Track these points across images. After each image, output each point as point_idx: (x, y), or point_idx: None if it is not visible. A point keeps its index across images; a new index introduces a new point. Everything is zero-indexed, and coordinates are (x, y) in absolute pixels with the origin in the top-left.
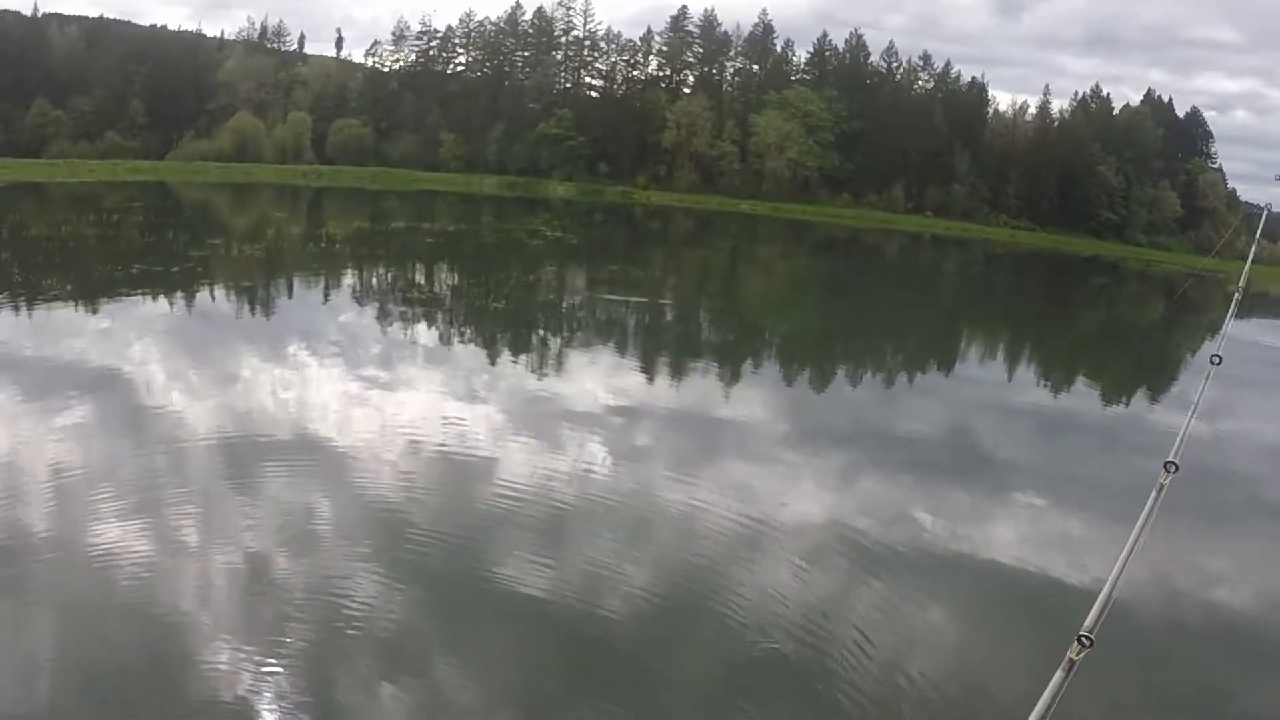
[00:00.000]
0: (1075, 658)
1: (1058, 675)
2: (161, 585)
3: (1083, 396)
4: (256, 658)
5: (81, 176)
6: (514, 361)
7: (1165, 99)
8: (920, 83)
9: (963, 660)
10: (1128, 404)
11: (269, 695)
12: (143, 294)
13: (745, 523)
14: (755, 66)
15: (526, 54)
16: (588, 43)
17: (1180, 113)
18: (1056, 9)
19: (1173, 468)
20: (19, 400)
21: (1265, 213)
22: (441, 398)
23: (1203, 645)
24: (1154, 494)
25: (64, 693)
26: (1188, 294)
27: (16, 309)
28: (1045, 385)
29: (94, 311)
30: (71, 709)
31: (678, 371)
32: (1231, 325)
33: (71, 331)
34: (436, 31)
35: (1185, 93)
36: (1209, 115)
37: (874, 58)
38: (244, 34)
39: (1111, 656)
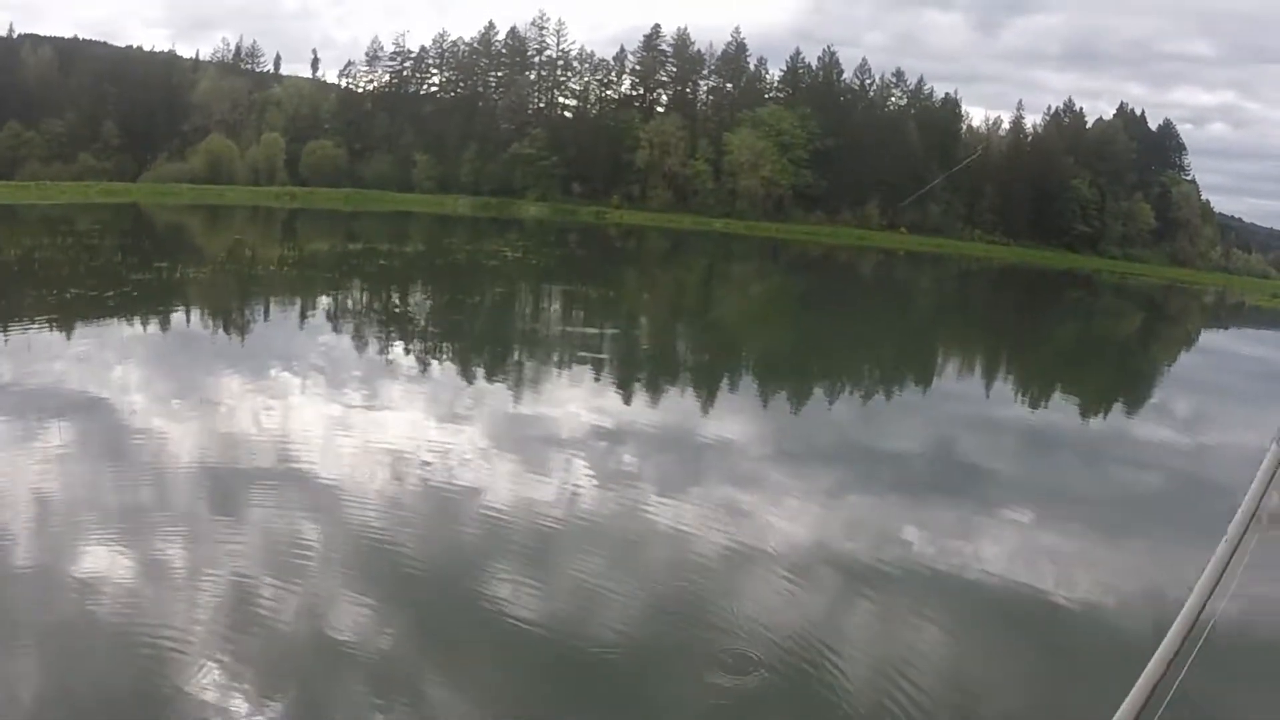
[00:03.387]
0: None
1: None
2: (137, 615)
3: (1061, 410)
4: (241, 687)
5: (53, 199)
6: (426, 400)
7: (1138, 112)
8: (894, 99)
9: (956, 680)
10: (1105, 416)
11: None
12: (66, 319)
13: (731, 545)
14: (729, 85)
15: (500, 74)
16: (561, 63)
17: (1153, 125)
18: (1035, 25)
19: None
20: None
21: None
22: (324, 428)
23: None
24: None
25: None
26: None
27: None
28: (1023, 400)
29: (6, 337)
30: None
31: (643, 402)
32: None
33: None
34: (410, 52)
35: (1163, 106)
36: (1185, 129)
37: (848, 75)
38: (219, 55)
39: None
